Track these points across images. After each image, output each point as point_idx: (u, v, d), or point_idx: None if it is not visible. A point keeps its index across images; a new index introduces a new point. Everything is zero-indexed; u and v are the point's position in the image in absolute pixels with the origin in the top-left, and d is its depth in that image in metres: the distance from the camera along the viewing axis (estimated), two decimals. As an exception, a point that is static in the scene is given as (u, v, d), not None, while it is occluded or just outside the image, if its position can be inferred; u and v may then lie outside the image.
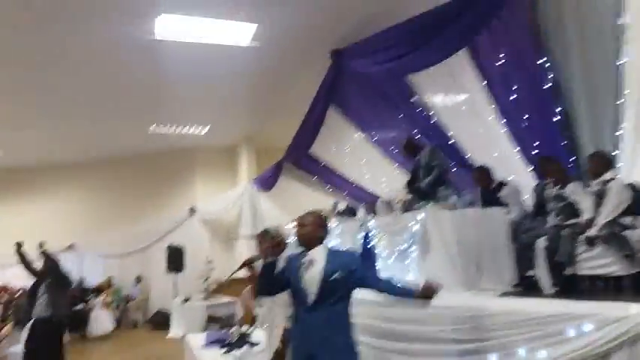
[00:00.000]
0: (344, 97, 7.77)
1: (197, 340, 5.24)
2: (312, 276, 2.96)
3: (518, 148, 5.89)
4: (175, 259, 11.78)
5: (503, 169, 5.86)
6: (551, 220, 4.52)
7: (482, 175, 5.50)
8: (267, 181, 11.42)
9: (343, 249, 3.04)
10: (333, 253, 3.06)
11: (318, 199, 10.17)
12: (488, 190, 5.35)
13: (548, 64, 4.68)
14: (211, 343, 4.99)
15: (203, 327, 9.73)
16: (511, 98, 5.20)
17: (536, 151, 5.51)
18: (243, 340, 4.72)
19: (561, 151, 5.21)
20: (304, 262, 3.03)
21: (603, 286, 3.94)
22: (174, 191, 13.58)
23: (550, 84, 4.76)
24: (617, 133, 4.57)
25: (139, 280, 12.96)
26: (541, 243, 4.27)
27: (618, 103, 4.34)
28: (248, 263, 3.53)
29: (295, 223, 3.15)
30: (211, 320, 9.82)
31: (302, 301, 2.99)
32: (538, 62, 4.69)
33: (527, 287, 4.47)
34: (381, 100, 7.22)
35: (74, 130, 11.07)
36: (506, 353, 3.34)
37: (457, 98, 6.03)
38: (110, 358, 8.33)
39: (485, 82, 5.46)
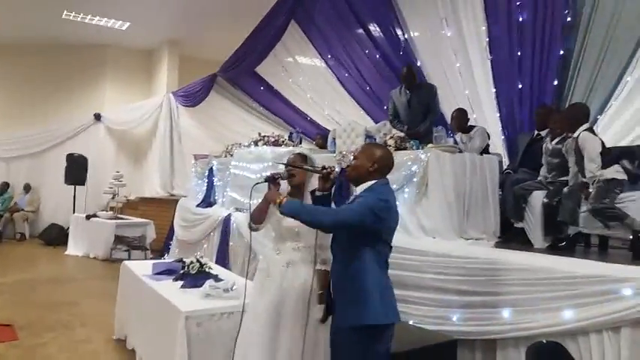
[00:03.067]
0: (309, 12, 6.95)
1: (140, 267, 4.50)
2: None
3: (494, 90, 5.69)
4: (76, 170, 10.56)
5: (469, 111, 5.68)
6: (543, 174, 4.39)
7: (461, 115, 5.27)
8: (193, 96, 10.32)
9: (381, 191, 2.45)
10: (366, 192, 2.45)
11: (250, 124, 9.44)
12: (462, 131, 5.16)
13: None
14: (160, 273, 4.30)
15: (109, 247, 8.85)
16: (515, 26, 4.87)
17: (520, 86, 5.33)
18: (204, 273, 4.10)
19: (549, 93, 5.10)
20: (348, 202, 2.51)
21: (599, 247, 3.92)
22: (79, 93, 11.83)
23: (568, 19, 4.47)
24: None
25: (27, 188, 11.39)
26: (538, 198, 4.13)
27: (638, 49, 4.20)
28: (275, 178, 2.88)
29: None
30: (118, 241, 8.93)
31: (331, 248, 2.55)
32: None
33: (511, 239, 4.38)
34: (352, 22, 6.55)
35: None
36: (523, 310, 3.16)
37: (446, 28, 5.57)
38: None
39: (485, 6, 5.07)
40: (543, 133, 4.84)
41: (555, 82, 5.04)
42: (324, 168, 2.40)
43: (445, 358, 3.14)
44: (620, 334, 2.75)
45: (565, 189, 3.99)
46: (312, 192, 2.44)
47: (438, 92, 5.16)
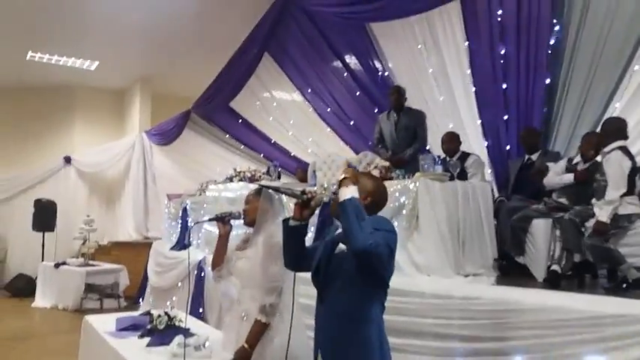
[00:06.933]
0: (283, 45, 6.72)
1: (102, 323, 4.00)
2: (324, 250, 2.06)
3: (480, 121, 5.45)
4: (44, 217, 10.01)
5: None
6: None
7: (452, 139, 4.96)
8: (166, 134, 9.94)
9: (385, 222, 2.05)
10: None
11: (227, 160, 9.06)
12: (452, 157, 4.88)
13: (559, 25, 4.19)
14: (124, 329, 3.81)
15: (79, 297, 8.25)
16: (499, 61, 4.67)
17: (505, 117, 5.09)
18: (173, 327, 3.62)
19: (537, 122, 4.87)
20: (333, 232, 2.11)
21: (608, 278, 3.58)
22: (48, 136, 11.32)
23: (552, 48, 4.29)
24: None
25: (-7, 237, 10.75)
26: (540, 226, 3.81)
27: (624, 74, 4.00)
28: (223, 218, 2.56)
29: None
30: (90, 290, 8.35)
31: (315, 286, 2.09)
32: (551, 20, 4.17)
33: (507, 272, 4.04)
34: (328, 54, 6.33)
35: None
36: (537, 357, 2.77)
37: (426, 58, 5.36)
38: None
39: (469, 40, 4.87)
40: (534, 157, 4.60)
41: (545, 109, 4.83)
42: (303, 193, 2.02)
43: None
44: (654, 381, 2.40)
45: (566, 214, 3.68)
46: (285, 221, 2.04)
47: (426, 120, 4.89)
